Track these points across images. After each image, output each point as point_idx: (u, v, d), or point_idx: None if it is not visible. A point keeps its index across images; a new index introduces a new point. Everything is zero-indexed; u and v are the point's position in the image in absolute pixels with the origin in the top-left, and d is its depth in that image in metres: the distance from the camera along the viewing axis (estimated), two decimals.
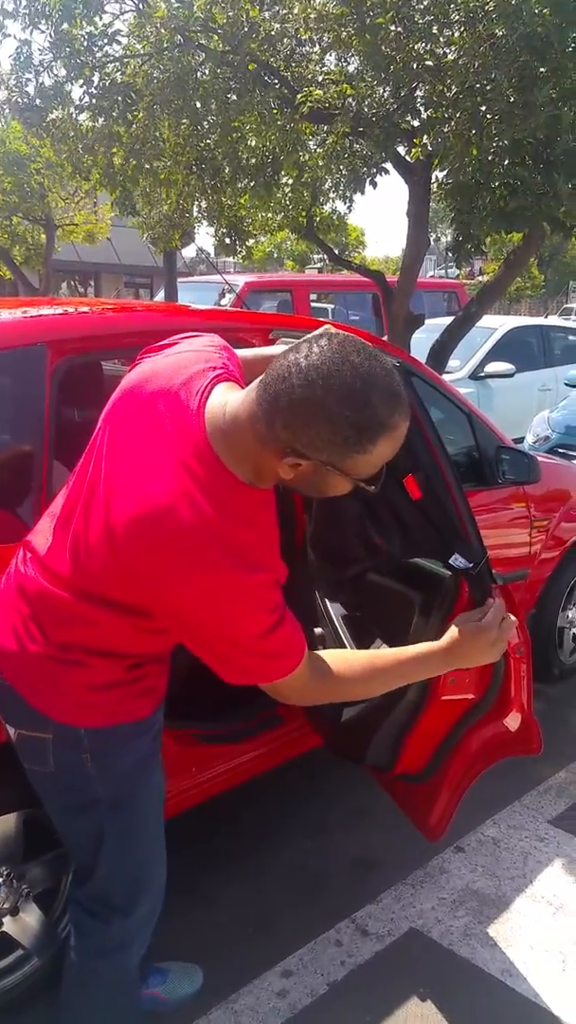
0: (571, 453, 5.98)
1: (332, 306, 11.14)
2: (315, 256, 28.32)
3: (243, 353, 1.69)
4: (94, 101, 5.51)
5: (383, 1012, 2.12)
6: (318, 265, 27.96)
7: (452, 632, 1.55)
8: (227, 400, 1.36)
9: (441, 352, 5.67)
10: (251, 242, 7.76)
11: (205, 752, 2.45)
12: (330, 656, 1.50)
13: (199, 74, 4.99)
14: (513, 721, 1.93)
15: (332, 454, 1.27)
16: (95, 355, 2.54)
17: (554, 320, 12.92)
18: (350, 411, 1.24)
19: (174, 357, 1.51)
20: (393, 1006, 2.14)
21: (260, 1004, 2.14)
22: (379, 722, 2.08)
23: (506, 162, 3.84)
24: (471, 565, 1.78)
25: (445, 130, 3.96)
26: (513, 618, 1.60)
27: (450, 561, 1.82)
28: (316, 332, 1.61)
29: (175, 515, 1.30)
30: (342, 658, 1.52)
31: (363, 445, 1.26)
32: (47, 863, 2.09)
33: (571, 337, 9.38)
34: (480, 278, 24.68)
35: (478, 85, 3.78)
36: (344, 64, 5.42)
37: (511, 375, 7.69)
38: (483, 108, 3.77)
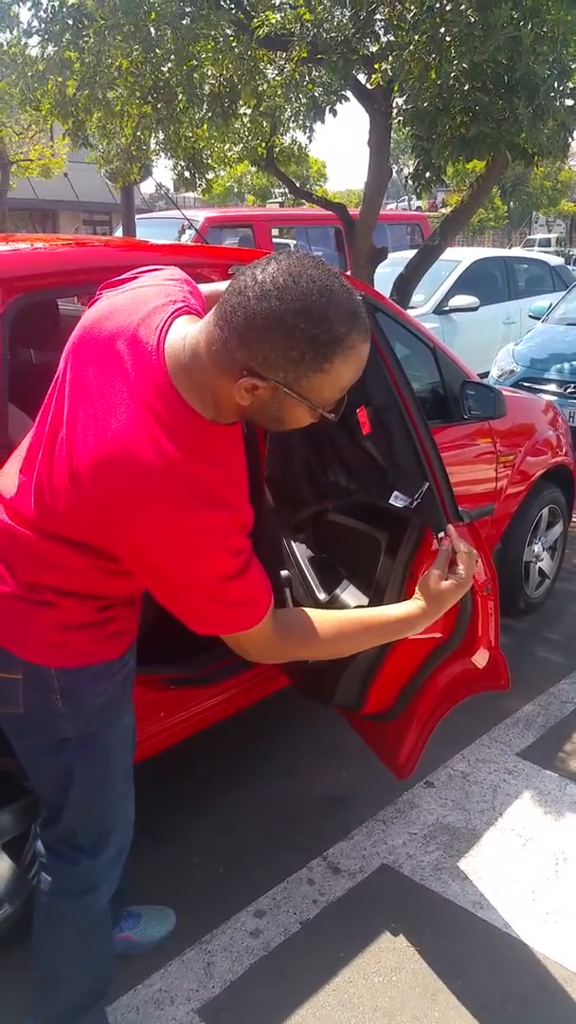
0: (536, 387, 5.95)
1: (294, 241, 10.92)
2: (276, 190, 27.75)
3: (205, 288, 1.63)
4: (43, 26, 5.24)
5: (356, 948, 2.15)
6: (279, 199, 27.38)
7: (427, 593, 1.51)
8: (187, 333, 1.31)
9: (405, 286, 5.56)
10: (210, 175, 7.52)
11: (173, 696, 2.43)
12: (298, 615, 1.47)
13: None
14: (481, 658, 1.93)
15: (288, 374, 1.22)
16: (49, 293, 2.44)
17: (518, 251, 12.76)
18: (305, 323, 1.18)
19: (132, 292, 1.45)
20: (366, 942, 2.17)
21: (234, 944, 2.16)
22: (346, 663, 2.06)
23: (466, 87, 3.69)
24: (409, 500, 1.74)
25: (404, 54, 3.80)
26: (475, 552, 1.56)
27: (390, 500, 1.77)
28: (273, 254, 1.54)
29: (137, 455, 1.26)
30: (313, 617, 1.48)
31: (320, 363, 1.21)
32: (16, 811, 2.08)
33: (535, 268, 9.29)
34: (443, 210, 24.35)
35: (437, 6, 3.62)
36: None
37: (475, 309, 7.60)
38: (442, 30, 3.61)
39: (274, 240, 9.22)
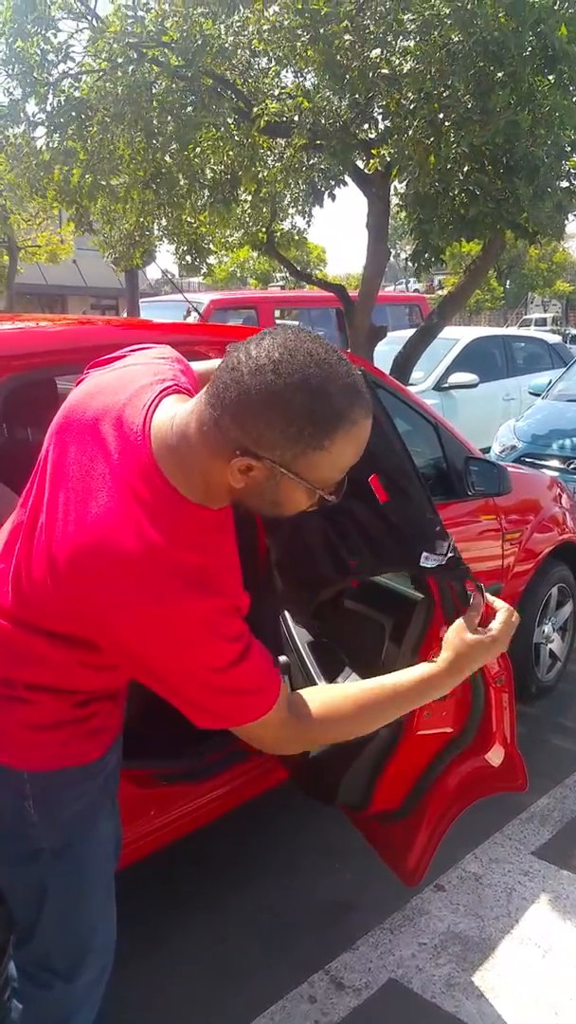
0: (538, 462, 5.90)
1: (296, 323, 11.08)
2: (277, 274, 28.43)
3: (198, 366, 1.56)
4: (49, 118, 5.40)
5: None
6: (280, 283, 28.03)
7: (454, 647, 1.36)
8: (175, 413, 1.23)
9: (404, 364, 5.58)
10: (212, 260, 7.67)
11: (165, 793, 2.29)
12: (311, 694, 1.35)
13: (154, 88, 4.89)
14: (495, 756, 1.79)
15: (286, 452, 1.13)
16: (45, 372, 2.39)
17: (514, 331, 12.95)
18: (304, 397, 1.11)
19: (119, 371, 1.38)
20: None
21: None
22: (350, 759, 1.93)
23: (465, 169, 3.75)
24: (442, 556, 1.62)
25: (403, 139, 3.86)
26: (516, 616, 1.41)
27: (420, 563, 1.66)
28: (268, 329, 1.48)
29: (118, 543, 1.17)
30: (326, 695, 1.36)
31: (319, 440, 1.13)
32: None
33: (533, 346, 9.38)
34: (440, 292, 24.83)
35: (435, 92, 3.70)
36: (301, 79, 5.35)
37: (475, 385, 7.64)
38: (441, 115, 3.68)
39: (277, 322, 9.36)
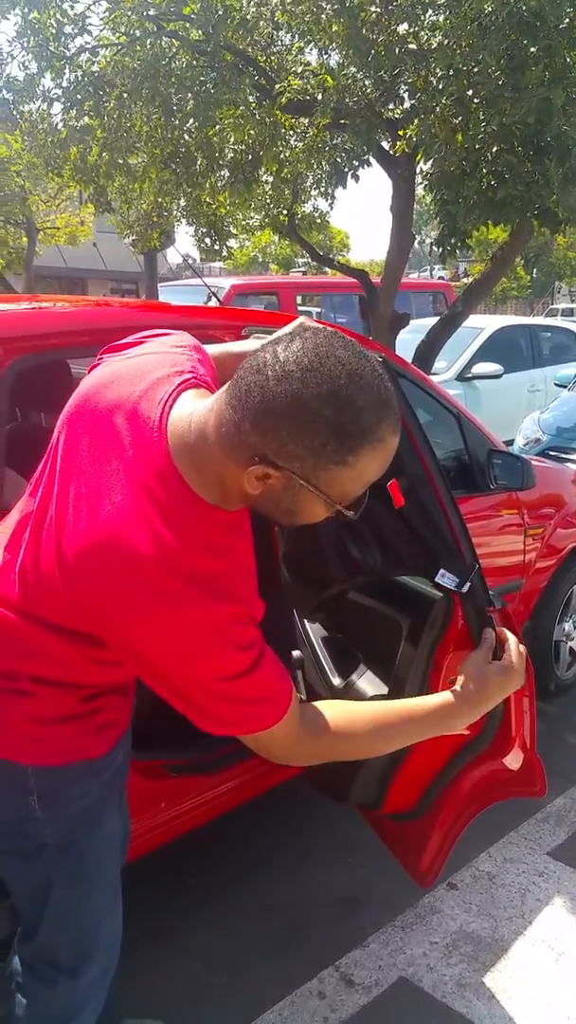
0: (563, 456, 5.80)
1: (318, 309, 10.97)
2: (299, 259, 28.26)
3: (213, 349, 1.50)
4: (65, 95, 5.31)
5: None
6: (302, 268, 27.86)
7: (474, 678, 1.35)
8: (194, 409, 1.18)
9: (427, 352, 5.49)
10: (232, 243, 7.58)
11: (175, 785, 2.25)
12: (328, 707, 1.30)
13: (173, 63, 4.79)
14: (514, 760, 1.73)
15: (307, 464, 1.07)
16: (58, 354, 2.33)
17: (540, 320, 12.77)
18: (331, 411, 1.05)
19: (136, 360, 1.32)
20: None
21: None
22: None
23: (494, 149, 3.64)
24: (459, 582, 1.57)
25: (430, 118, 3.76)
26: (522, 648, 1.40)
27: (436, 579, 1.61)
28: (296, 323, 1.41)
29: (131, 544, 1.12)
30: (341, 711, 1.31)
31: (343, 455, 1.07)
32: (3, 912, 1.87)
33: (560, 336, 9.23)
34: (465, 280, 24.57)
35: (464, 68, 3.58)
36: (325, 56, 5.25)
37: (499, 376, 7.52)
38: (470, 93, 3.57)
39: (299, 308, 9.27)
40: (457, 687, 1.35)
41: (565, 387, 7.05)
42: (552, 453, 5.84)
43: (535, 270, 33.93)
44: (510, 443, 6.08)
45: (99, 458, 1.20)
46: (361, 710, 1.33)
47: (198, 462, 1.15)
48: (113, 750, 1.43)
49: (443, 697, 1.34)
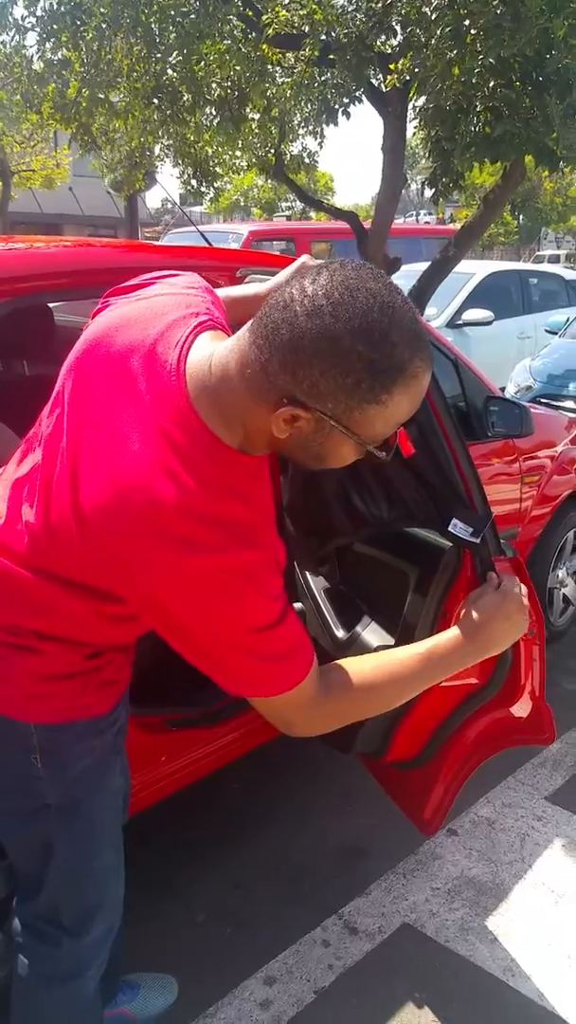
0: (553, 403, 5.76)
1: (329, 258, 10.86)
2: (283, 204, 27.71)
3: (219, 293, 1.43)
4: (40, 24, 5.06)
5: (376, 1022, 1.93)
6: (286, 213, 27.33)
7: (473, 615, 1.31)
8: (213, 351, 1.11)
9: (419, 298, 5.39)
10: (218, 183, 7.36)
11: (176, 738, 2.23)
12: (338, 666, 1.25)
13: None
14: (522, 709, 1.72)
15: (339, 404, 1.02)
16: (38, 298, 2.24)
17: (531, 266, 12.63)
18: (364, 346, 0.99)
19: (148, 301, 1.25)
20: (387, 1014, 1.95)
21: (242, 1017, 1.94)
22: None
23: (491, 83, 3.50)
24: (473, 531, 1.53)
25: (424, 52, 3.61)
26: (525, 588, 1.36)
27: (449, 528, 1.56)
28: (299, 263, 1.33)
29: (152, 493, 1.06)
30: (355, 665, 1.26)
31: (377, 392, 1.02)
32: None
33: (550, 282, 9.11)
34: (451, 225, 24.19)
35: None
36: None
37: (490, 323, 7.42)
38: (466, 23, 3.42)
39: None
40: (462, 629, 1.31)
41: (556, 333, 6.98)
42: (543, 400, 5.80)
43: (522, 216, 33.44)
44: (501, 390, 6.03)
45: (114, 405, 1.14)
46: (374, 662, 1.29)
47: (220, 405, 1.09)
48: (115, 708, 1.40)
49: (448, 638, 1.30)
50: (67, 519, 1.16)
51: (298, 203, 22.21)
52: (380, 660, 1.30)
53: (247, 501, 1.11)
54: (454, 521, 1.53)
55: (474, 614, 1.31)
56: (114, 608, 1.22)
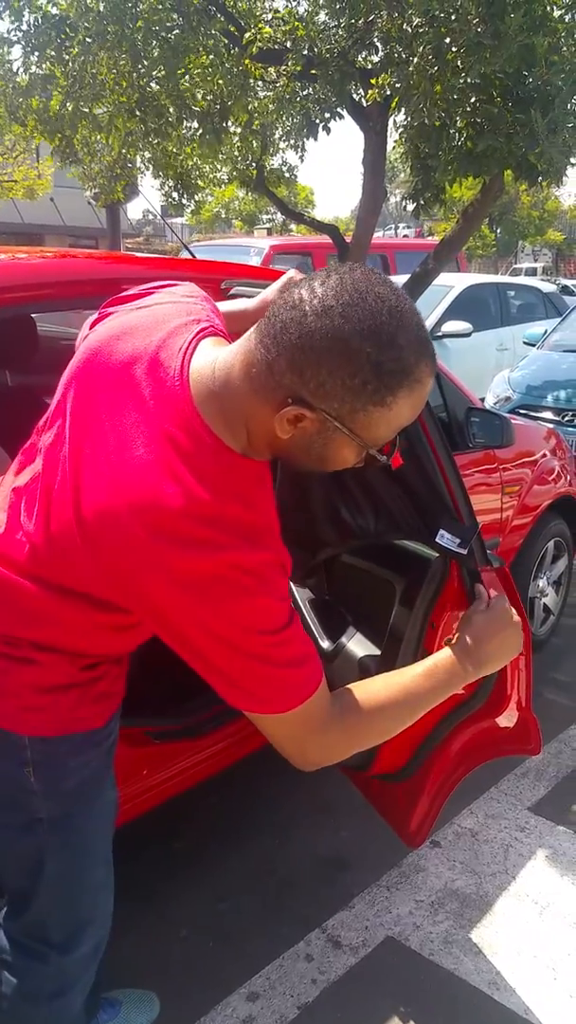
0: (532, 414, 5.81)
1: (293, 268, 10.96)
2: (264, 216, 27.82)
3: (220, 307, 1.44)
4: (25, 38, 5.07)
5: None
6: (267, 225, 27.43)
7: (467, 639, 1.31)
8: (217, 356, 1.12)
9: None
10: (198, 196, 7.38)
11: (158, 751, 2.21)
12: (349, 688, 1.23)
13: (140, 6, 4.59)
14: (508, 719, 1.72)
15: (344, 405, 1.03)
16: (21, 309, 2.23)
17: (509, 279, 12.74)
18: (372, 347, 1.00)
19: (149, 309, 1.26)
20: None
21: None
22: None
23: (472, 100, 3.54)
24: (460, 543, 1.54)
25: (410, 68, 3.64)
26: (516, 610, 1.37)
27: (436, 539, 1.57)
28: (286, 277, 1.35)
29: (158, 498, 1.06)
30: (364, 687, 1.24)
31: (382, 395, 1.03)
32: None
33: (528, 295, 9.20)
34: (429, 238, 24.38)
35: (442, 15, 3.46)
36: (295, 2, 5.07)
37: (468, 335, 7.47)
38: (448, 40, 3.46)
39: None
40: (455, 642, 1.31)
41: (534, 345, 7.04)
42: (522, 411, 5.85)
43: (499, 229, 33.81)
44: (481, 401, 6.08)
45: (118, 412, 1.14)
46: (383, 681, 1.27)
47: (224, 409, 1.09)
48: (110, 721, 1.39)
49: (446, 655, 1.30)
50: (69, 527, 1.15)
51: (279, 216, 22.32)
52: (388, 680, 1.28)
53: (251, 505, 1.10)
54: (441, 532, 1.54)
55: (467, 638, 1.31)
56: (113, 617, 1.21)
